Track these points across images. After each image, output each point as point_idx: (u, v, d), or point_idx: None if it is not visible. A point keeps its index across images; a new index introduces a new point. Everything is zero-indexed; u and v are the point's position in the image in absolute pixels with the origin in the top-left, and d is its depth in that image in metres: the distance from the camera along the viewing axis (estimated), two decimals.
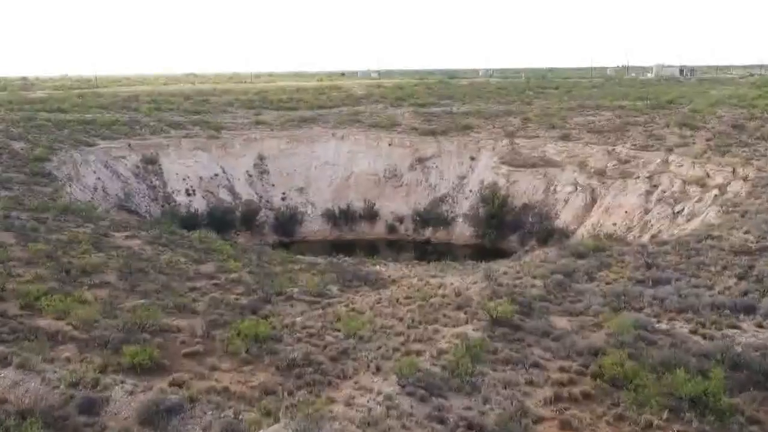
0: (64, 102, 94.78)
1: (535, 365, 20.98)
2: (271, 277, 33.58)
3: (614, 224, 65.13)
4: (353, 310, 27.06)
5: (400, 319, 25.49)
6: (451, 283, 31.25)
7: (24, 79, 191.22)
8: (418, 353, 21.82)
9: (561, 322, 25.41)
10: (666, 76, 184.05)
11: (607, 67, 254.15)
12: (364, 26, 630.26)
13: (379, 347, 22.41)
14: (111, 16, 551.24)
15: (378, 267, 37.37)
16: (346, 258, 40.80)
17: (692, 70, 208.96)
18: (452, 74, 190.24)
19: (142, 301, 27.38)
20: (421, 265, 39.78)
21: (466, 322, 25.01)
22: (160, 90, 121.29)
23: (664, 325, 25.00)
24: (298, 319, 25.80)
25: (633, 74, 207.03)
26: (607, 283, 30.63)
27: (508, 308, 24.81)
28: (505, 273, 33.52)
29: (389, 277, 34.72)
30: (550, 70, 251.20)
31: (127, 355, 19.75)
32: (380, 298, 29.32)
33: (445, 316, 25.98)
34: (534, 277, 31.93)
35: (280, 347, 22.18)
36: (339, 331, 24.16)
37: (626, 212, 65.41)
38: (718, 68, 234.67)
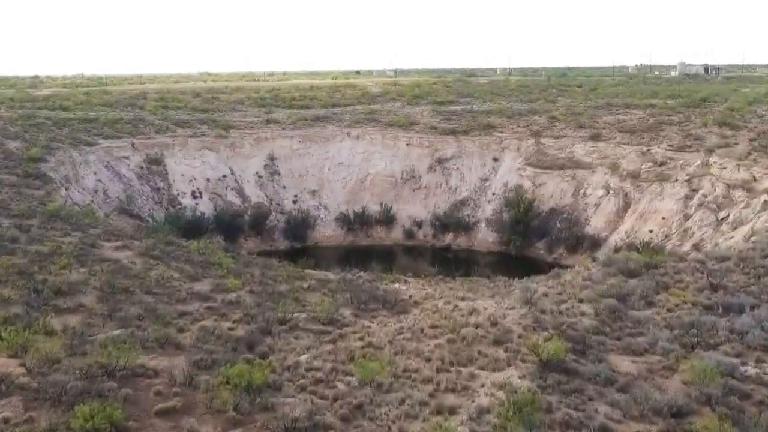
0: (68, 100, 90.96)
1: (604, 430, 16.38)
2: (275, 298, 29.14)
3: (650, 231, 60.19)
4: (369, 344, 22.58)
5: (427, 360, 20.98)
6: (485, 308, 26.69)
7: (35, 77, 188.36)
8: (452, 410, 17.32)
9: (623, 364, 20.82)
10: (691, 75, 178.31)
11: (627, 66, 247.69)
12: (379, 26, 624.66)
13: (403, 400, 17.91)
14: (128, 15, 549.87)
15: (397, 285, 32.85)
16: (361, 273, 36.23)
17: (717, 68, 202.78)
18: (469, 73, 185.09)
19: (119, 331, 23.09)
20: (446, 282, 35.19)
21: (509, 364, 20.48)
22: (170, 88, 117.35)
23: (751, 369, 20.36)
24: (303, 357, 21.36)
25: (656, 72, 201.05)
26: (669, 310, 25.97)
27: (559, 347, 20.21)
28: (545, 295, 28.92)
29: (410, 297, 30.16)
30: (568, 68, 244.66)
31: (80, 418, 15.37)
32: (401, 327, 24.83)
33: (481, 354, 21.45)
34: (580, 301, 27.33)
35: (279, 400, 17.73)
36: (352, 375, 19.67)
37: (663, 218, 60.45)
38: (743, 67, 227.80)
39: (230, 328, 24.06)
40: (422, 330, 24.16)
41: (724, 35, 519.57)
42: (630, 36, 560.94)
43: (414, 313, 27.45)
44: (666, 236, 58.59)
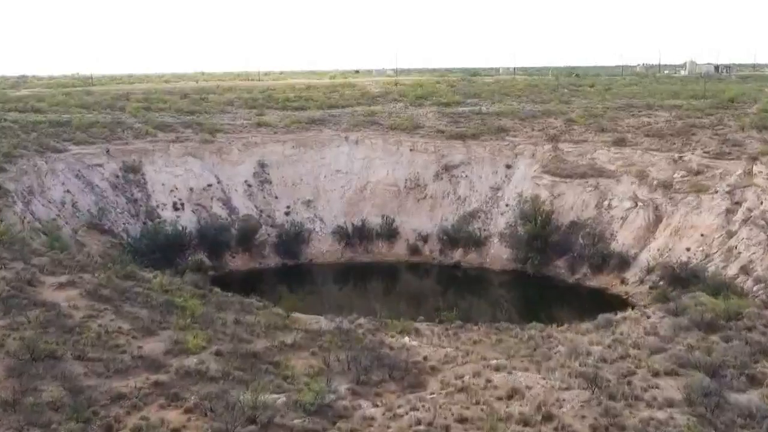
0: (42, 101, 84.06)
1: None
2: (248, 365, 22.22)
3: (687, 249, 53.28)
4: None
5: None
6: (528, 387, 19.72)
7: (22, 76, 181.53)
8: None
9: None
10: (701, 74, 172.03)
11: (630, 65, 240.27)
12: (379, 26, 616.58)
13: None
14: (129, 14, 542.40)
15: (407, 339, 25.85)
16: (360, 320, 29.02)
17: (728, 67, 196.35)
18: (473, 72, 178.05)
19: None
20: (468, 331, 28.14)
21: None
22: (158, 88, 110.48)
23: None
24: None
25: (666, 71, 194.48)
26: None
27: None
28: (603, 360, 21.98)
29: (425, 359, 23.27)
30: (573, 68, 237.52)
31: None
32: (418, 420, 17.86)
33: None
34: (656, 375, 20.38)
35: None
36: None
37: (702, 235, 53.46)
38: (754, 66, 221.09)
39: (176, 430, 17.06)
40: (447, 428, 17.19)
41: (726, 35, 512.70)
42: (629, 36, 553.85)
43: (432, 389, 20.54)
44: (706, 256, 51.67)
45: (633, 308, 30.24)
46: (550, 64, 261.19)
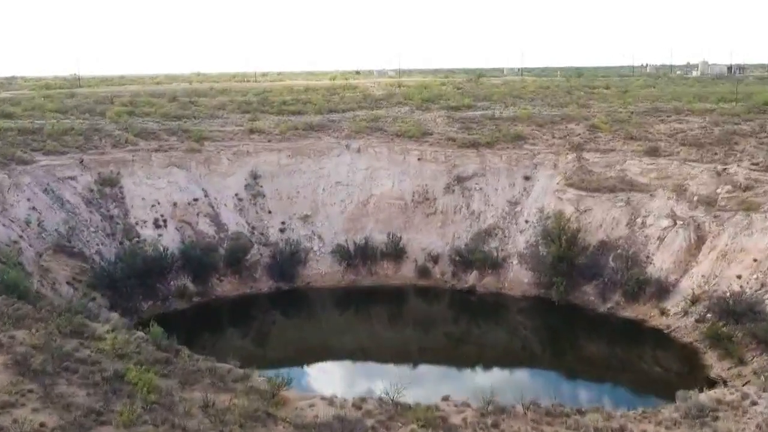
0: (18, 104, 77.34)
1: None
2: None
3: (738, 277, 46.47)
4: None
5: None
6: None
7: (11, 77, 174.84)
8: None
9: None
10: (715, 74, 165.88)
11: (640, 65, 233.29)
12: (379, 25, 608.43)
13: None
14: (128, 15, 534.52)
15: None
16: (369, 405, 22.14)
17: (741, 67, 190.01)
18: (479, 73, 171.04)
19: None
20: (510, 417, 21.29)
21: None
22: (147, 90, 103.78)
23: None
24: None
25: (678, 72, 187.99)
26: None
27: None
28: None
29: None
30: (580, 68, 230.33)
31: None
32: None
33: None
34: None
35: None
36: None
37: (755, 260, 46.64)
38: (765, 66, 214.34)
39: None
40: None
41: (731, 34, 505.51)
42: (628, 36, 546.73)
43: None
44: (762, 285, 44.85)
45: (725, 384, 23.44)
46: (553, 65, 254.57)
